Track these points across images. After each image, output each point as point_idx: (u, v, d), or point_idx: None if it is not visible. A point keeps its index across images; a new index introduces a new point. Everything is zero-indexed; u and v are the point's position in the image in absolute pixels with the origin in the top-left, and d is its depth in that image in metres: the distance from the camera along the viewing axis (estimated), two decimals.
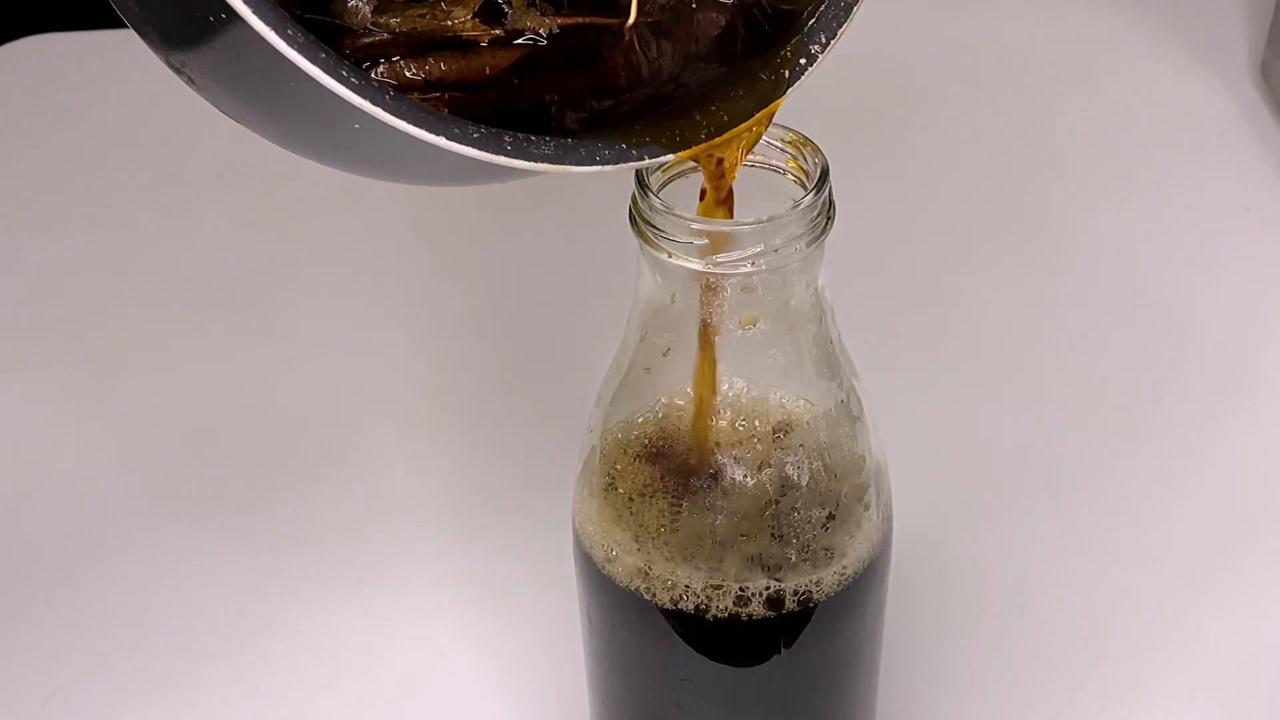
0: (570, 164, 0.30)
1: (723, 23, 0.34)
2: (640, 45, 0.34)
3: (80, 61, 0.87)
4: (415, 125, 0.27)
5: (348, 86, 0.26)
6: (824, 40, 0.33)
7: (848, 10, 0.34)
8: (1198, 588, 0.55)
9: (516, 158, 0.29)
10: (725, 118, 0.33)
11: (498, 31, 0.32)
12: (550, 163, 0.30)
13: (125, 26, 0.29)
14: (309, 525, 0.59)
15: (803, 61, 0.33)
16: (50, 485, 0.61)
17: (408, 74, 0.31)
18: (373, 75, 0.31)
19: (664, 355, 0.38)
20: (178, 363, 0.67)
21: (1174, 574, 0.55)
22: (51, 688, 0.53)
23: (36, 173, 0.80)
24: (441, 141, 0.28)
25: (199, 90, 0.30)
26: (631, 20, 0.33)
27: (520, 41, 0.33)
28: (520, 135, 0.29)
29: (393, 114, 0.27)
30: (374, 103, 0.27)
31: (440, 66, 0.32)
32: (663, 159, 0.32)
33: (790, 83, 0.33)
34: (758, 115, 0.33)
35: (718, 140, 0.33)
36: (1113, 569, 0.56)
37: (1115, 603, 0.54)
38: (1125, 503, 0.58)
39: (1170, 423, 0.61)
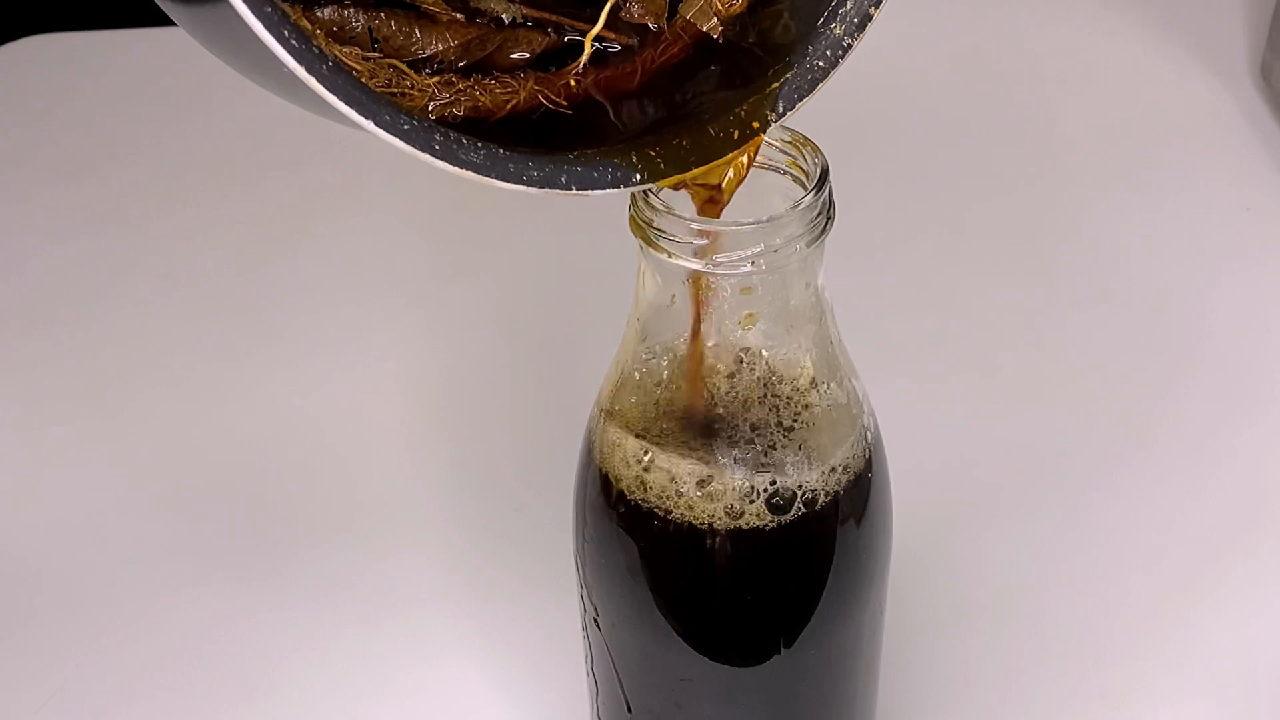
0: (495, 177, 0.29)
1: (686, 55, 0.34)
2: (596, 67, 0.33)
3: (80, 61, 0.87)
4: (346, 103, 0.27)
5: (286, 49, 0.26)
6: (781, 110, 0.33)
7: (811, 85, 0.33)
8: (1198, 588, 0.55)
9: (443, 159, 0.28)
10: (663, 165, 0.32)
11: (458, 16, 0.32)
12: (476, 171, 0.29)
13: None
14: (307, 523, 0.59)
15: (755, 125, 0.33)
16: (50, 487, 0.61)
17: (353, 23, 0.31)
18: (317, 13, 0.30)
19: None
20: (178, 363, 0.67)
21: (1174, 574, 0.55)
22: (48, 691, 0.53)
23: (36, 173, 0.80)
24: (369, 125, 0.27)
25: None
26: (594, 31, 0.33)
27: (480, 21, 0.32)
28: (453, 135, 0.28)
29: (326, 87, 0.26)
30: (309, 70, 0.26)
31: (390, 25, 0.31)
32: (592, 192, 0.31)
33: (735, 146, 0.33)
34: (692, 173, 0.33)
35: (652, 184, 0.32)
36: (1113, 569, 0.56)
37: (1115, 603, 0.54)
38: (1125, 502, 0.58)
39: (1170, 422, 0.61)
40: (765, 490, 0.37)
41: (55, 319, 0.70)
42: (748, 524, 0.37)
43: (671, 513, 0.37)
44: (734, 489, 0.37)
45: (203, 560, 0.57)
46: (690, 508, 0.37)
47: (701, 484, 0.37)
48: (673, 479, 0.37)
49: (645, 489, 0.38)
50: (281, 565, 0.57)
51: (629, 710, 0.43)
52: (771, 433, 0.37)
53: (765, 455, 0.37)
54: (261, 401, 0.64)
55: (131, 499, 0.60)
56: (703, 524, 0.37)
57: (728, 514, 0.37)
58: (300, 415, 0.64)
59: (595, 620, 0.41)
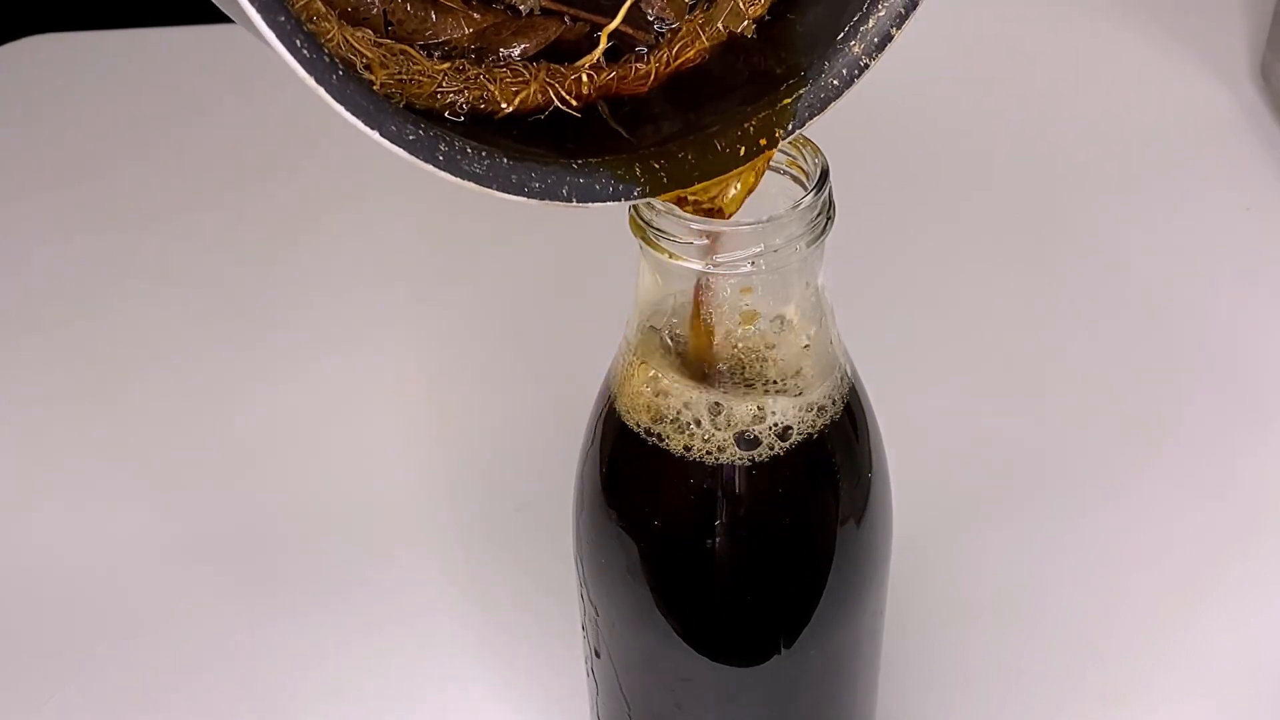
0: (497, 188, 0.29)
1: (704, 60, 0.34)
2: (610, 64, 0.33)
3: (80, 61, 0.87)
4: (353, 113, 0.27)
5: (297, 58, 0.26)
6: (791, 128, 0.33)
7: (824, 103, 0.33)
8: (1198, 588, 0.55)
9: (446, 169, 0.28)
10: (665, 179, 0.32)
11: (474, 11, 0.32)
12: (478, 182, 0.29)
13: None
14: (306, 522, 0.59)
15: (762, 142, 0.33)
16: (49, 488, 0.61)
17: (369, 5, 0.30)
18: None
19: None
20: (178, 363, 0.67)
21: (1174, 574, 0.55)
22: (45, 695, 0.53)
23: (37, 173, 0.80)
24: (374, 136, 0.27)
25: None
26: (612, 26, 0.33)
27: (496, 8, 0.32)
28: (457, 145, 0.28)
29: (335, 97, 0.27)
30: (319, 81, 0.26)
31: (405, 9, 0.31)
32: (593, 205, 0.31)
33: (741, 162, 0.33)
34: (693, 188, 0.33)
35: (653, 198, 0.32)
36: (1112, 568, 0.56)
37: (1115, 602, 0.54)
38: (1124, 502, 0.58)
39: (1169, 422, 0.61)
40: (759, 424, 0.37)
41: (55, 319, 0.70)
42: (755, 457, 0.37)
43: (679, 454, 0.37)
44: (735, 422, 0.37)
45: (201, 560, 0.57)
46: (703, 441, 0.37)
47: (712, 413, 0.37)
48: (670, 441, 0.37)
49: (648, 440, 0.37)
50: (281, 563, 0.57)
51: (629, 710, 0.43)
52: (769, 393, 0.37)
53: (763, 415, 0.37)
54: (261, 401, 0.64)
55: (131, 499, 0.60)
56: (704, 460, 0.37)
57: (738, 441, 0.37)
58: (300, 415, 0.64)
59: (595, 619, 0.42)
